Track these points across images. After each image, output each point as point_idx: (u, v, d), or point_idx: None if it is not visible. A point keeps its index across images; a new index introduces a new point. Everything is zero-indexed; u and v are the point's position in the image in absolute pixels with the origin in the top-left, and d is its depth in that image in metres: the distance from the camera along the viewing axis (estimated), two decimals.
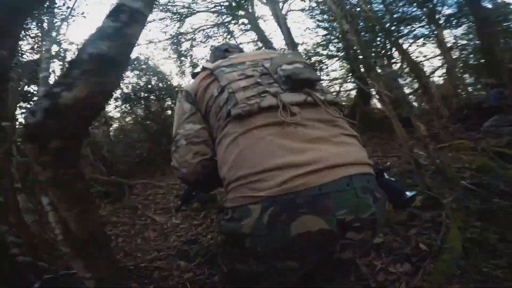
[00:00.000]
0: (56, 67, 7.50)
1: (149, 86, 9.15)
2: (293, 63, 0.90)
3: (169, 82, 9.60)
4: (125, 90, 8.68)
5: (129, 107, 9.25)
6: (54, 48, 6.26)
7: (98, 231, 1.00)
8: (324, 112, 0.87)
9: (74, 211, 0.94)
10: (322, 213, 0.72)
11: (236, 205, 0.78)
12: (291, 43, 7.67)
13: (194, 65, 9.10)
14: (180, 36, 8.81)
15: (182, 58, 9.28)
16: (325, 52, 8.74)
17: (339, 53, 8.61)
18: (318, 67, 8.61)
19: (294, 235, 0.71)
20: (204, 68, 1.02)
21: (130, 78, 8.78)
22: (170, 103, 9.36)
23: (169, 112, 9.28)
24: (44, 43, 5.12)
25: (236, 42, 9.21)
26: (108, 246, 1.04)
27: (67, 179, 0.83)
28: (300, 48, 8.51)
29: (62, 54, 7.16)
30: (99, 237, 1.02)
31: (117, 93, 8.34)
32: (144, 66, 8.82)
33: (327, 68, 9.09)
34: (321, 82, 0.95)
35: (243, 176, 0.77)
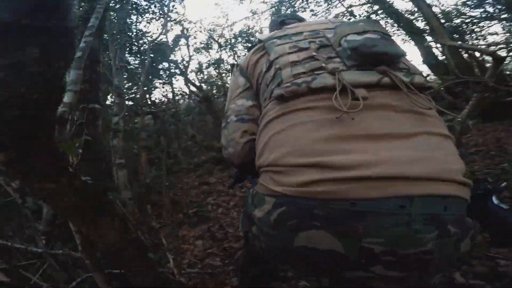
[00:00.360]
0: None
1: None
2: (364, 32, 0.66)
3: None
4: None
5: None
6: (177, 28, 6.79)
7: (123, 243, 0.83)
8: (407, 100, 0.60)
9: (80, 224, 0.78)
10: (343, 235, 0.54)
11: (258, 191, 0.66)
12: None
13: None
14: (280, 5, 8.27)
15: None
16: (475, 13, 6.70)
17: (501, 13, 6.45)
18: (466, 29, 6.70)
19: (297, 246, 0.58)
20: (258, 40, 0.87)
21: (240, 51, 8.91)
22: None
23: None
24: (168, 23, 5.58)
25: (343, 5, 8.04)
26: (141, 256, 0.86)
27: (49, 193, 0.63)
28: (435, 9, 6.80)
29: (186, 33, 7.76)
30: (124, 250, 0.85)
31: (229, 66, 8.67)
32: (252, 38, 8.77)
33: (481, 31, 6.99)
34: (405, 58, 0.68)
35: (271, 163, 0.63)
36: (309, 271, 0.64)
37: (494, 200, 0.71)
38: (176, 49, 8.17)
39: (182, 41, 8.09)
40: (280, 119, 0.64)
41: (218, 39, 8.76)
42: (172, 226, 3.11)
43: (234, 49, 8.69)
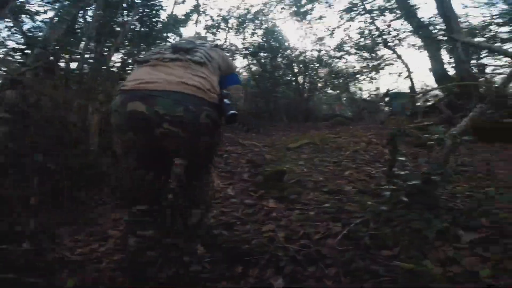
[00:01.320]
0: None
1: (265, 45, 9.06)
2: (182, 40, 1.75)
3: (283, 43, 9.41)
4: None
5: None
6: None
7: None
8: (186, 64, 1.37)
9: None
10: (147, 104, 1.23)
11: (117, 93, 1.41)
12: (445, 15, 6.08)
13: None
14: None
15: (299, 18, 8.50)
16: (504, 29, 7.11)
17: None
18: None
19: (128, 110, 1.25)
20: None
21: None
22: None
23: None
24: None
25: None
26: None
27: None
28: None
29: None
30: None
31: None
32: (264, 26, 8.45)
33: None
34: (196, 50, 1.46)
35: (126, 81, 1.39)
36: (138, 128, 1.26)
37: (226, 100, 1.39)
38: (186, 23, 7.77)
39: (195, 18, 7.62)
40: (136, 70, 1.44)
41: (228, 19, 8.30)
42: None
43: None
